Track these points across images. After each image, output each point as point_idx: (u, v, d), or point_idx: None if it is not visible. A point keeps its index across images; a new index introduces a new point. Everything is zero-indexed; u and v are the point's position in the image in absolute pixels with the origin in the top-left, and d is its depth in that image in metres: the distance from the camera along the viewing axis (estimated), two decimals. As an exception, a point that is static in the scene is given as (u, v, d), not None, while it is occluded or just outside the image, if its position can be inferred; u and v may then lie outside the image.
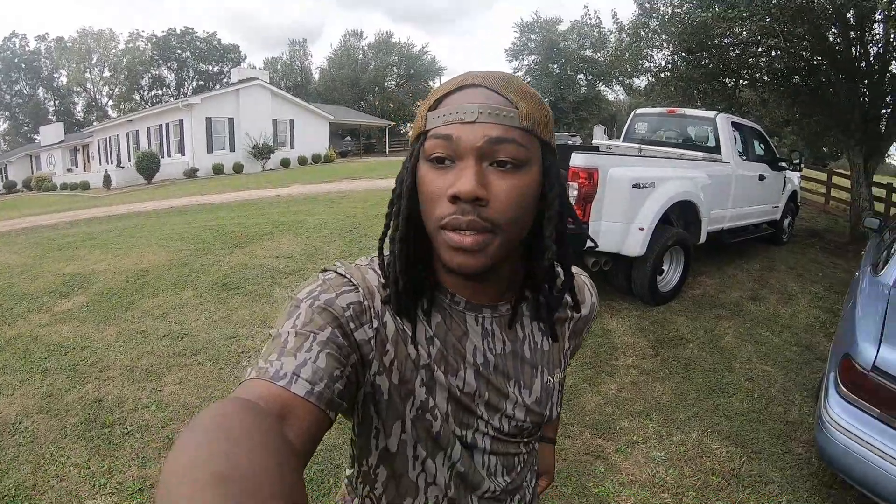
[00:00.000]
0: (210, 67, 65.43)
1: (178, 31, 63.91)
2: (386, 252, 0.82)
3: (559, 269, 0.89)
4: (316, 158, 31.35)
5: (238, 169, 26.92)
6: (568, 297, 0.94)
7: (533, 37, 45.60)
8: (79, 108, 64.87)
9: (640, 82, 14.99)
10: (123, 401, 4.00)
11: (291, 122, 31.80)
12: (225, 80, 57.20)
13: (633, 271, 5.45)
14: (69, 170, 39.33)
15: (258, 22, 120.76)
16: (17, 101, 62.36)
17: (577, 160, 4.88)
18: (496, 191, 0.71)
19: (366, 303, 0.79)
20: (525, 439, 0.92)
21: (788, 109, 12.86)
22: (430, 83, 55.49)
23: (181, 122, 27.59)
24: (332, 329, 0.73)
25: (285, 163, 29.26)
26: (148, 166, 24.77)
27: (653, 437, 3.41)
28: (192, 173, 25.95)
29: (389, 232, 0.81)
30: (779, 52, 10.12)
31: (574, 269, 0.93)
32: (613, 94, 46.41)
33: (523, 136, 0.72)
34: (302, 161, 30.34)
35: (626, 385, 4.04)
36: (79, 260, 7.91)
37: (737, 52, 11.07)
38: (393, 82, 55.81)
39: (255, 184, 17.98)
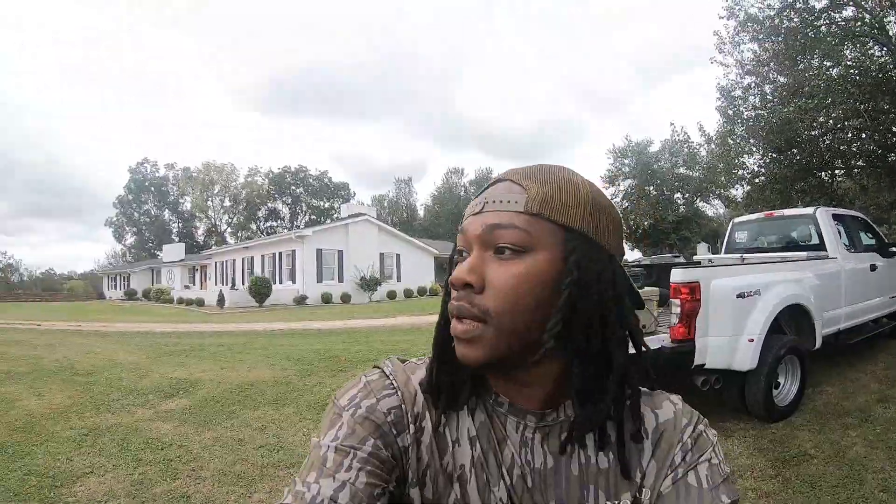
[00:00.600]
0: (322, 203, 70.72)
1: (293, 169, 70.13)
2: None
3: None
4: (421, 291, 32.58)
5: (346, 299, 28.18)
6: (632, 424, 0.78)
7: (626, 161, 45.77)
8: (199, 231, 71.60)
9: (737, 193, 14.75)
10: (211, 501, 3.99)
11: (398, 255, 33.47)
12: (335, 214, 61.01)
13: (746, 387, 5.03)
14: (186, 286, 42.62)
15: (366, 161, 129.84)
16: (144, 219, 69.76)
17: (677, 276, 4.75)
18: (492, 277, 0.68)
19: (405, 406, 0.76)
20: None
21: (890, 191, 12.30)
22: None
23: (293, 252, 29.51)
24: (374, 440, 0.72)
25: (391, 295, 30.42)
26: (260, 290, 26.40)
27: (778, 566, 2.95)
28: (301, 300, 27.28)
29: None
30: (868, 132, 9.86)
31: (670, 399, 0.81)
32: (713, 209, 45.83)
33: (527, 221, 0.69)
34: (408, 293, 31.51)
35: (745, 509, 3.63)
36: (187, 367, 8.33)
37: (826, 141, 10.84)
38: (496, 217, 57.70)
39: (362, 313, 18.67)
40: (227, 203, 70.56)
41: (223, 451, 4.96)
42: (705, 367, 4.80)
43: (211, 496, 4.05)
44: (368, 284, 29.52)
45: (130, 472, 4.47)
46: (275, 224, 70.12)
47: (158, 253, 58.35)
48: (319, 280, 29.17)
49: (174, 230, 69.94)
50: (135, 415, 6.01)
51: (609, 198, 0.75)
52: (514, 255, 0.68)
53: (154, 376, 7.70)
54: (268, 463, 4.67)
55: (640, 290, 4.90)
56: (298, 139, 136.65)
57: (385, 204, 65.35)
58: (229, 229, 71.05)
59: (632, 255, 50.85)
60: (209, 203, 69.90)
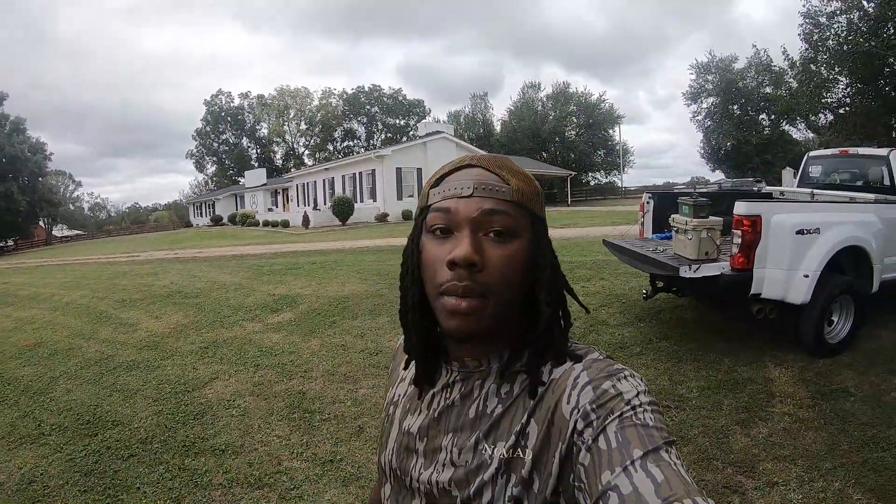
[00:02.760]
0: (397, 121, 70.91)
1: (367, 89, 70.59)
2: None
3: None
4: (500, 206, 32.67)
5: (425, 215, 28.85)
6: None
7: (710, 77, 43.77)
8: (278, 156, 73.49)
9: (823, 119, 13.98)
10: (323, 396, 4.83)
11: (476, 172, 33.44)
12: (411, 132, 61.09)
13: (799, 320, 5.25)
14: (270, 209, 44.29)
15: (439, 77, 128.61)
16: (223, 148, 72.32)
17: (740, 208, 5.00)
18: (489, 257, 0.76)
19: (394, 356, 1.08)
20: None
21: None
22: (610, 132, 55.48)
23: (373, 171, 30.21)
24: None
25: None
26: (343, 210, 27.24)
27: (794, 481, 3.40)
28: (382, 218, 28.02)
29: (402, 304, 0.88)
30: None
31: (587, 360, 0.79)
32: (800, 132, 42.68)
33: (513, 209, 0.79)
34: (485, 210, 31.70)
35: (777, 430, 4.02)
36: (286, 284, 9.22)
37: (917, 76, 10.00)
38: (573, 132, 56.41)
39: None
40: (302, 126, 72.64)
41: (329, 355, 5.78)
42: (761, 296, 5.09)
43: (323, 392, 4.90)
44: (446, 200, 30.14)
45: (251, 376, 5.38)
46: (351, 144, 71.43)
47: (240, 179, 60.70)
48: (399, 198, 29.88)
49: (253, 156, 72.16)
50: (246, 328, 6.91)
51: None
52: (505, 238, 0.78)
53: (258, 294, 8.59)
54: (369, 364, 5.45)
55: (704, 219, 5.21)
56: (367, 60, 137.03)
57: (461, 120, 64.35)
58: (307, 152, 73.28)
59: (713, 176, 48.74)
60: (285, 128, 72.22)
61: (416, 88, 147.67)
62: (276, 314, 7.47)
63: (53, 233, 65.16)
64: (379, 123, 71.26)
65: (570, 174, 43.70)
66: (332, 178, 34.55)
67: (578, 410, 0.72)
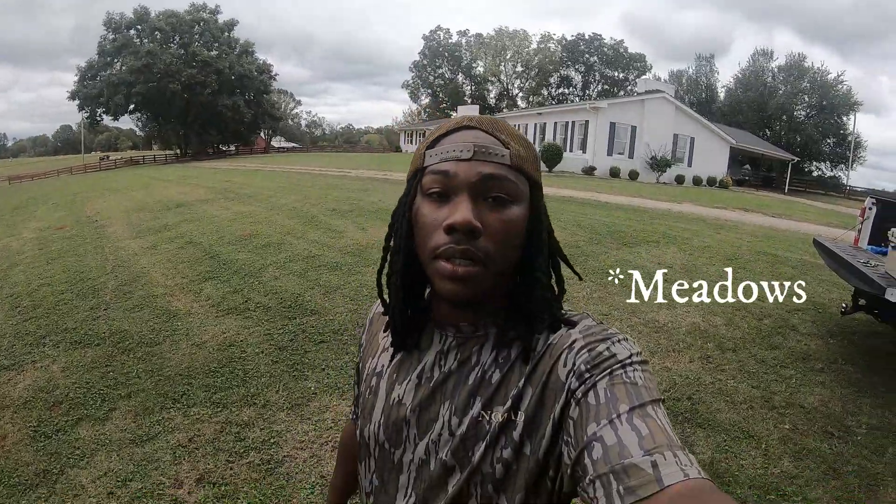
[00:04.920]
0: (615, 73, 68.49)
1: (587, 37, 68.50)
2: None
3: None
4: (711, 181, 30.90)
5: (633, 176, 27.81)
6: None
7: None
8: (492, 94, 73.94)
9: None
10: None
11: (692, 139, 31.90)
12: (629, 87, 58.97)
13: None
14: (479, 144, 45.34)
15: (665, 31, 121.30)
16: (438, 82, 75.22)
17: None
18: (488, 223, 0.74)
19: (366, 326, 1.04)
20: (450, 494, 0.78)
21: None
22: (844, 119, 49.23)
23: (586, 122, 29.44)
24: (357, 366, 1.06)
25: (679, 179, 29.44)
26: (551, 157, 26.85)
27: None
28: (589, 171, 27.49)
29: (388, 266, 0.86)
30: None
31: (581, 325, 0.79)
32: None
33: (513, 174, 0.76)
34: (696, 181, 30.10)
35: None
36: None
37: None
38: (802, 112, 50.67)
39: (648, 193, 18.20)
40: (518, 68, 72.29)
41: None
42: None
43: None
44: (658, 165, 28.85)
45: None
46: (566, 91, 70.32)
47: (452, 113, 62.18)
48: (609, 153, 28.93)
49: (467, 92, 73.86)
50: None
51: None
52: (504, 204, 0.75)
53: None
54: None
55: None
56: (589, 7, 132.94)
57: (683, 81, 60.27)
58: (521, 94, 73.18)
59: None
60: (501, 68, 72.34)
61: (639, 41, 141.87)
62: (479, 241, 7.65)
63: (272, 143, 74.33)
64: (597, 74, 69.18)
65: (793, 159, 39.84)
66: (545, 123, 33.96)
67: (574, 372, 0.72)
